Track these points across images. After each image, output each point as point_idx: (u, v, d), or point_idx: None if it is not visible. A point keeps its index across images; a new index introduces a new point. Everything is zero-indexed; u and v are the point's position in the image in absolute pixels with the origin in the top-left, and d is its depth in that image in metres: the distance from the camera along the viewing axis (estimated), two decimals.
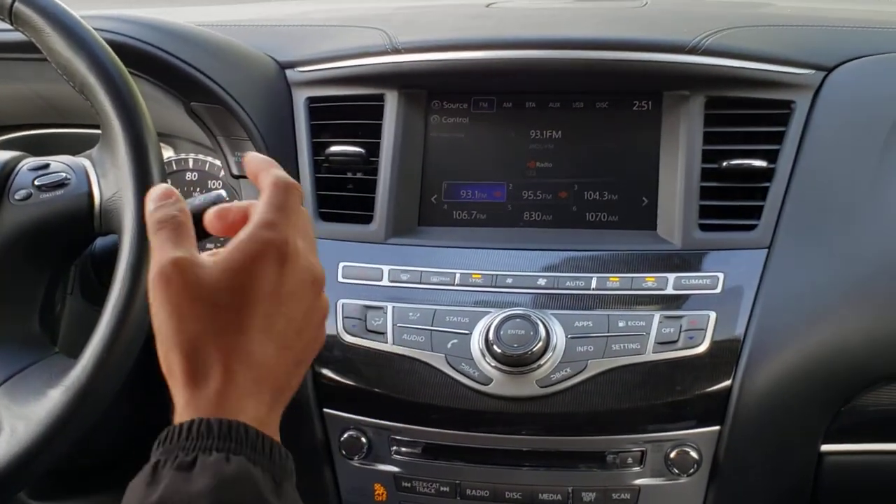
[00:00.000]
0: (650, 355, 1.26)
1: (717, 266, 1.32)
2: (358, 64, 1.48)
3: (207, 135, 1.48)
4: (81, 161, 1.18)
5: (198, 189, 1.60)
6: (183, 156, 1.61)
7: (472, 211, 1.44)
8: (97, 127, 1.13)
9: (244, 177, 1.45)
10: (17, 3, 1.11)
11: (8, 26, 1.14)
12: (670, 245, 1.35)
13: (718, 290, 1.30)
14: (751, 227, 1.34)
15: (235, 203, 0.93)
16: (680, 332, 1.26)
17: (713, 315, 1.27)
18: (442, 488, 1.33)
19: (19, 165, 1.21)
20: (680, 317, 1.28)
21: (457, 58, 1.46)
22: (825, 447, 1.34)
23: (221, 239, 1.53)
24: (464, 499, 1.33)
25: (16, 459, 1.02)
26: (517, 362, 1.25)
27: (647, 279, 1.31)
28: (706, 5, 1.91)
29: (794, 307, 1.29)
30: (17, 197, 1.17)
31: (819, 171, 1.35)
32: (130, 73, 1.13)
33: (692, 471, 1.29)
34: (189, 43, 1.46)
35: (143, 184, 1.07)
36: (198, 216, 1.30)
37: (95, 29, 1.13)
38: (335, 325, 1.33)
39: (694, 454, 1.28)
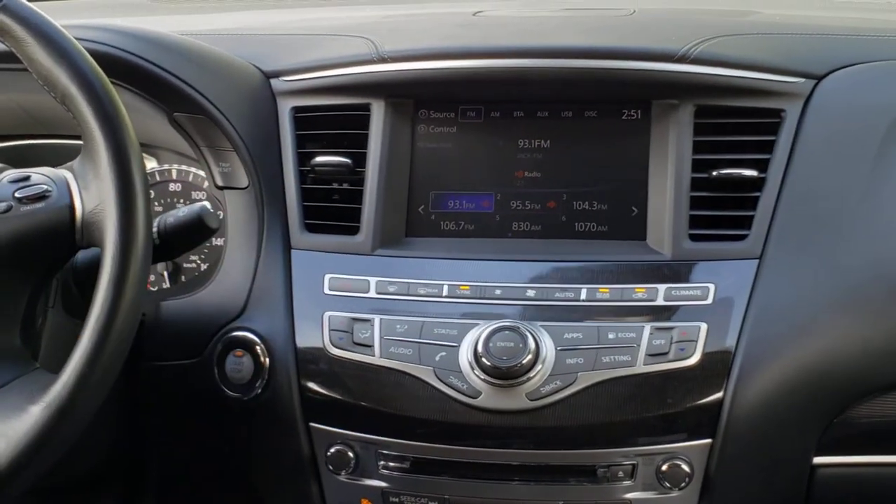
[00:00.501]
0: (641, 367, 1.25)
1: (707, 277, 1.31)
2: (344, 73, 1.47)
3: (191, 145, 1.46)
4: (63, 173, 1.17)
5: (181, 200, 1.58)
6: (166, 167, 1.59)
7: (460, 221, 1.43)
8: (79, 138, 1.11)
9: (229, 188, 1.44)
10: None
11: None
12: (660, 255, 1.34)
13: (709, 300, 1.29)
14: (741, 238, 1.33)
15: None
16: (671, 343, 1.26)
17: (704, 326, 1.27)
18: (430, 503, 1.32)
19: None
20: (671, 328, 1.27)
21: (444, 67, 1.45)
22: (817, 459, 1.34)
23: (206, 250, 1.53)
24: None
25: None
26: (506, 375, 1.24)
27: (637, 290, 1.30)
28: (695, 13, 1.90)
29: (786, 318, 1.28)
30: None
31: (810, 180, 1.35)
32: (112, 83, 1.11)
33: (684, 484, 1.28)
34: (172, 52, 1.44)
35: (125, 196, 1.05)
36: (171, 234, 1.29)
37: (77, 38, 1.12)
38: (321, 338, 1.31)
39: (686, 467, 1.27)
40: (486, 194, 1.43)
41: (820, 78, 1.41)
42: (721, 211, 1.36)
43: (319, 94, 1.48)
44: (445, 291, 1.33)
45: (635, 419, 1.26)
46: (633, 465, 1.28)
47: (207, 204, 1.31)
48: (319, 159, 1.44)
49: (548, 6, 2.00)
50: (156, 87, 1.41)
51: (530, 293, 1.31)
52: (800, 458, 1.33)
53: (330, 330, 1.32)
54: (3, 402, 1.06)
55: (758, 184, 1.35)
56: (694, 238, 1.34)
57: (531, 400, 1.25)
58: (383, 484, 1.34)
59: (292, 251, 1.40)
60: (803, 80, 1.41)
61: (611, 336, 1.26)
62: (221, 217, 1.43)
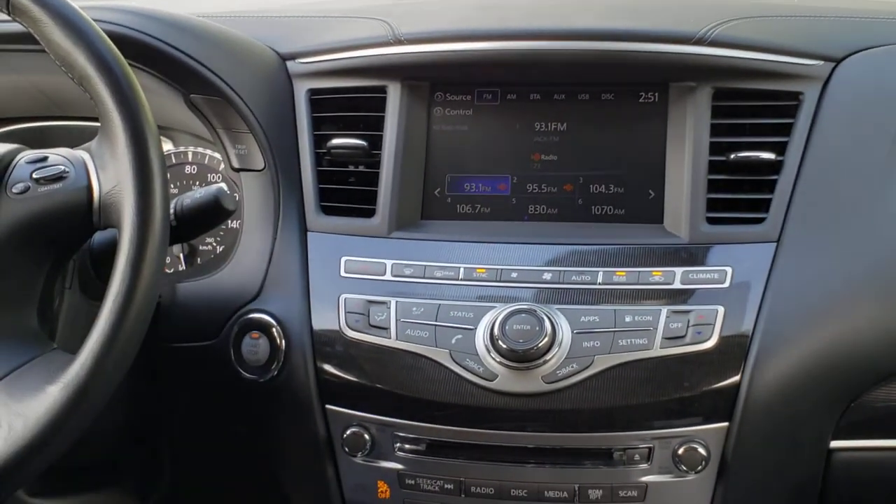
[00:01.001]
0: (657, 350, 1.25)
1: (724, 260, 1.30)
2: (360, 55, 1.47)
3: (207, 127, 1.47)
4: (80, 154, 1.17)
5: (197, 182, 1.58)
6: (182, 149, 1.59)
7: (476, 204, 1.43)
8: (96, 119, 1.11)
9: (244, 170, 1.43)
10: None
11: (6, 17, 1.12)
12: (677, 239, 1.34)
13: (726, 284, 1.28)
14: (759, 221, 1.32)
15: None
16: (688, 326, 1.25)
17: (721, 310, 1.26)
18: (446, 486, 1.32)
19: (17, 158, 1.19)
20: (687, 311, 1.26)
21: (460, 49, 1.44)
22: (834, 443, 1.33)
23: (222, 232, 1.53)
24: (468, 496, 1.32)
25: (14, 458, 1.01)
26: (523, 358, 1.23)
27: (653, 273, 1.30)
28: None
29: (803, 301, 1.27)
30: (14, 190, 1.15)
31: (828, 163, 1.34)
32: (130, 64, 1.11)
33: (700, 468, 1.27)
34: (189, 34, 1.44)
35: (143, 177, 1.06)
36: (188, 216, 1.29)
37: (95, 20, 1.12)
38: (337, 321, 1.31)
39: (702, 451, 1.27)
40: (502, 177, 1.43)
41: (839, 61, 1.40)
42: (738, 194, 1.35)
43: (335, 77, 1.48)
44: (461, 274, 1.32)
45: (652, 402, 1.26)
46: (650, 448, 1.28)
47: (224, 185, 1.31)
48: (335, 142, 1.44)
49: None
50: (172, 69, 1.42)
51: (547, 276, 1.31)
52: (816, 441, 1.32)
53: (346, 312, 1.32)
54: (21, 382, 1.07)
55: (776, 167, 1.34)
56: (711, 221, 1.33)
57: (547, 383, 1.25)
58: (399, 466, 1.34)
59: (308, 233, 1.40)
60: (822, 62, 1.40)
61: (627, 319, 1.26)
62: (237, 199, 1.43)
